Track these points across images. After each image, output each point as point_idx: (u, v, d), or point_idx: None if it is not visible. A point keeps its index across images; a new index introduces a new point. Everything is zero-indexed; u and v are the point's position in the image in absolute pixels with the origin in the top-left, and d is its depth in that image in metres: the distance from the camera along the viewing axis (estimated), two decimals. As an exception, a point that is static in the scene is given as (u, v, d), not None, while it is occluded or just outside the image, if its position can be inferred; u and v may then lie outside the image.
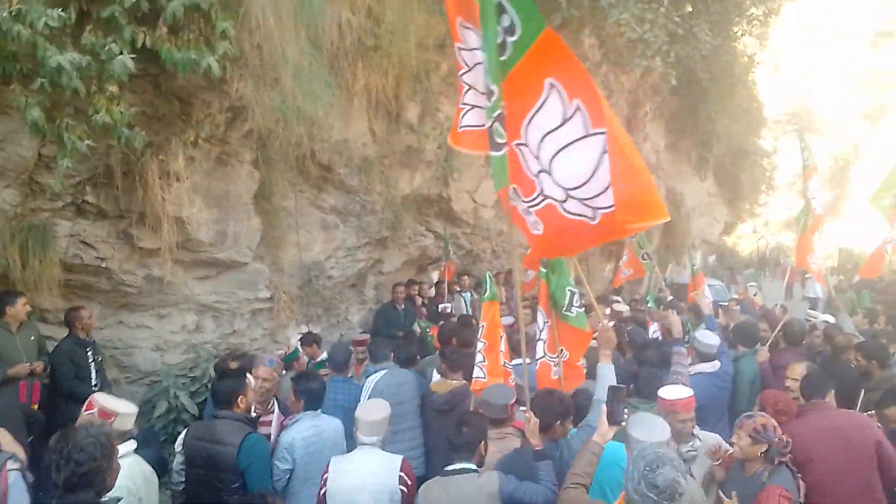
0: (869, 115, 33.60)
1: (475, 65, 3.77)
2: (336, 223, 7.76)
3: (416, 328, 8.31)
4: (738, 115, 17.41)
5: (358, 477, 3.53)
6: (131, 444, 3.23)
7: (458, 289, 10.01)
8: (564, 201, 3.38)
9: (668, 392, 3.90)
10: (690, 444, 3.86)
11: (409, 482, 3.60)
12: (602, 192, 3.19)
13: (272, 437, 4.24)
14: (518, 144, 3.49)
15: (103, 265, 5.50)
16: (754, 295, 8.93)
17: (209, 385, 6.15)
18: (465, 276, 10.43)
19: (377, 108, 7.10)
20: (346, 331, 7.96)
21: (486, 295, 4.72)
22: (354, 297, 8.74)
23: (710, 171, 19.24)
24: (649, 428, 3.03)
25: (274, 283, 7.02)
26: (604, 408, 3.32)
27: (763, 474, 3.46)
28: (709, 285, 16.40)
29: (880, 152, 31.20)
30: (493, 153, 3.41)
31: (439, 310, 9.16)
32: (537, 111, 3.33)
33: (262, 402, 4.45)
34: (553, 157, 3.34)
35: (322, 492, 3.55)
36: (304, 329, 7.80)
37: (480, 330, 4.62)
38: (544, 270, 4.33)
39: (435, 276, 10.70)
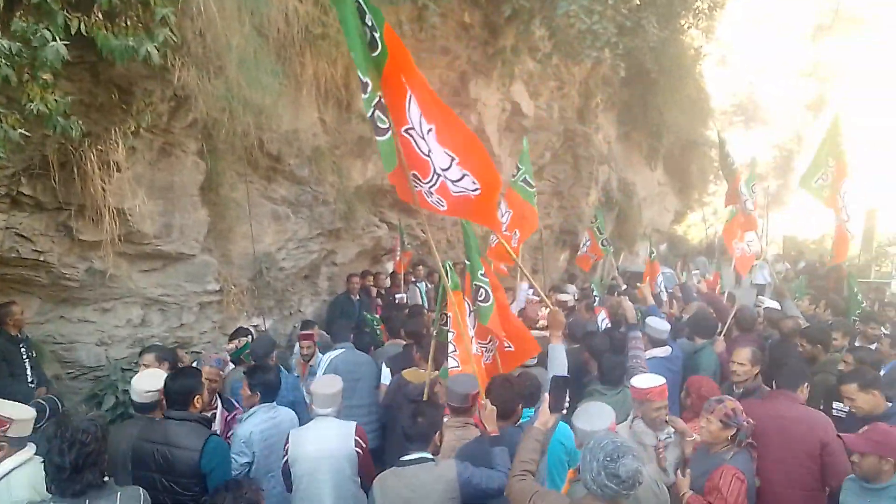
0: (811, 106, 34.71)
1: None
2: (287, 214, 7.67)
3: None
4: (686, 106, 17.79)
5: (318, 443, 3.91)
6: (30, 449, 3.13)
7: (413, 279, 10.01)
8: (449, 179, 3.70)
9: (640, 381, 4.01)
10: (666, 431, 3.97)
11: (364, 445, 4.06)
12: (462, 178, 3.60)
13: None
14: (407, 129, 3.68)
15: (42, 259, 5.31)
16: (698, 282, 9.16)
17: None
18: (420, 267, 10.44)
19: (327, 97, 7.03)
20: (300, 322, 7.86)
21: (449, 284, 4.67)
22: (307, 288, 8.66)
23: (660, 161, 19.67)
24: (591, 417, 3.09)
25: (223, 276, 6.91)
26: (546, 395, 3.37)
27: (727, 454, 3.59)
28: (662, 273, 16.84)
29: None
30: (378, 137, 3.62)
31: (395, 300, 9.16)
32: (410, 99, 3.57)
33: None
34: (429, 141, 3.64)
35: (284, 460, 3.92)
36: (256, 322, 7.71)
37: (447, 320, 4.61)
38: (468, 262, 4.39)
39: (390, 266, 10.68)
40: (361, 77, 3.54)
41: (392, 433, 4.97)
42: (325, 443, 3.93)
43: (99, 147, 5.02)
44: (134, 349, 6.27)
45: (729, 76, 31.61)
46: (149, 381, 3.67)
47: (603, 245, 10.20)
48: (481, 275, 4.36)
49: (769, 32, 34.37)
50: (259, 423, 4.07)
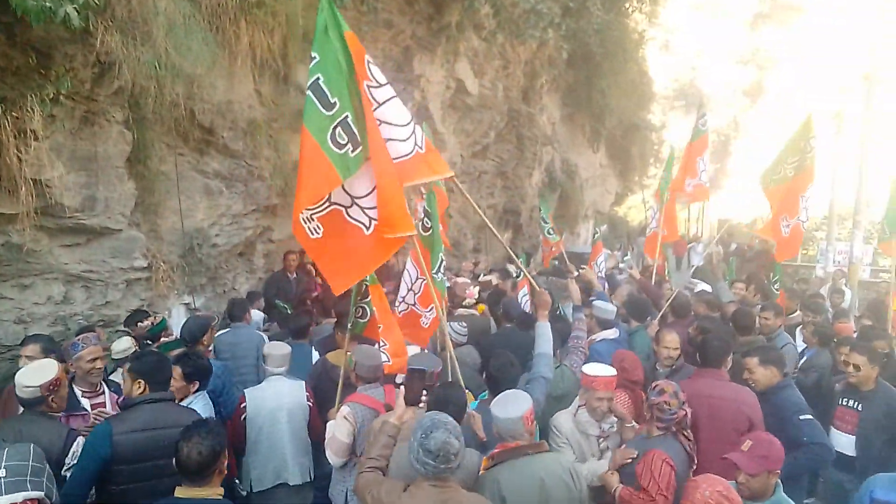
0: (748, 92, 35.72)
1: (386, 100, 3.93)
2: (220, 189, 7.42)
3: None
4: (629, 89, 18.08)
5: (275, 398, 4.58)
6: None
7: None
8: (350, 207, 3.88)
9: (591, 368, 4.06)
10: (609, 421, 4.03)
11: (313, 400, 4.74)
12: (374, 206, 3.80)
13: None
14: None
15: (-47, 232, 5.01)
16: (630, 268, 9.40)
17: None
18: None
19: (263, 68, 6.79)
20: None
21: (367, 278, 4.50)
22: (242, 265, 8.43)
23: (602, 143, 19.93)
24: (507, 405, 3.08)
25: (152, 252, 6.63)
26: (401, 390, 3.46)
27: (659, 441, 3.66)
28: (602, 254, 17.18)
29: (758, 128, 33.34)
30: (336, 150, 3.74)
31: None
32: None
33: (91, 384, 4.22)
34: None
35: (242, 417, 4.49)
36: (187, 300, 7.48)
37: (364, 313, 4.61)
38: (424, 233, 4.44)
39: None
40: (331, 97, 3.76)
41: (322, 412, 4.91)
42: (282, 397, 4.60)
43: (14, 114, 4.73)
44: (56, 327, 5.99)
45: (671, 61, 32.18)
46: (32, 376, 3.46)
47: (549, 234, 10.28)
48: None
49: (710, 19, 35.11)
50: (203, 412, 4.01)
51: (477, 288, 6.53)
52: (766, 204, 7.55)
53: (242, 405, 4.52)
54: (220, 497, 2.88)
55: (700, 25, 34.04)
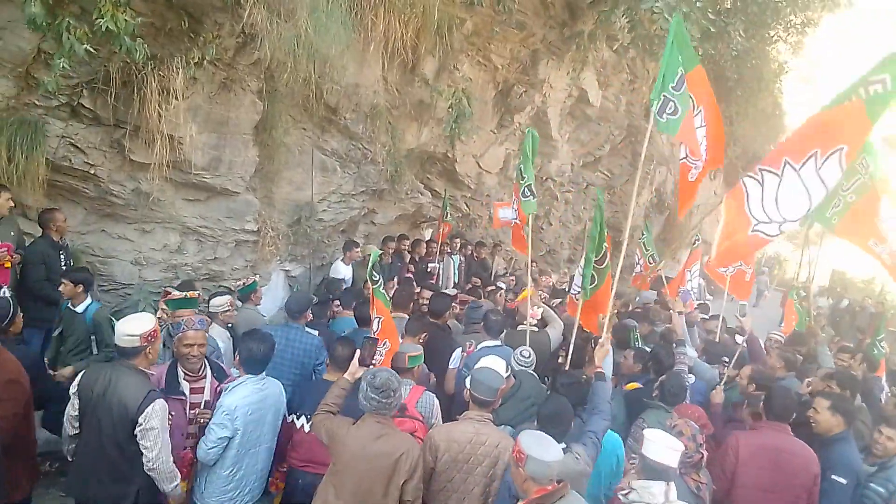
0: (889, 140, 33.18)
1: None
2: (335, 167, 7.67)
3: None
4: (759, 119, 17.17)
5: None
6: None
7: (449, 251, 9.95)
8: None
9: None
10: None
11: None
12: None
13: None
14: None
15: (92, 171, 5.42)
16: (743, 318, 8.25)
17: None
18: (458, 239, 10.37)
19: (393, 56, 6.92)
20: (328, 276, 7.90)
21: (378, 288, 4.41)
22: (342, 243, 8.69)
23: (721, 171, 19.07)
24: (548, 447, 2.81)
25: (263, 217, 6.96)
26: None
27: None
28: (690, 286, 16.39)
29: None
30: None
31: (427, 269, 9.13)
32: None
33: (193, 369, 3.81)
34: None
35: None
36: (288, 267, 7.78)
37: (377, 323, 4.42)
38: (376, 277, 4.37)
39: (428, 234, 10.65)
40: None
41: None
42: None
43: (161, 73, 5.06)
44: (167, 274, 6.40)
45: (811, 96, 30.35)
46: (133, 325, 3.38)
47: (651, 261, 9.76)
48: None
49: (857, 56, 32.81)
50: (247, 394, 3.66)
51: (541, 309, 6.20)
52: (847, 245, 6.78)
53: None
54: None
55: (845, 61, 31.87)
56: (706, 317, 8.51)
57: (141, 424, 3.19)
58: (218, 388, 3.81)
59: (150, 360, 3.46)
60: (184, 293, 4.91)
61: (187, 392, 3.75)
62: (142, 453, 3.24)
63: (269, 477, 4.01)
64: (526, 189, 5.73)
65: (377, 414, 3.26)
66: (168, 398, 3.42)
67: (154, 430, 3.21)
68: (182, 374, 3.77)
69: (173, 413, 3.47)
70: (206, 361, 3.95)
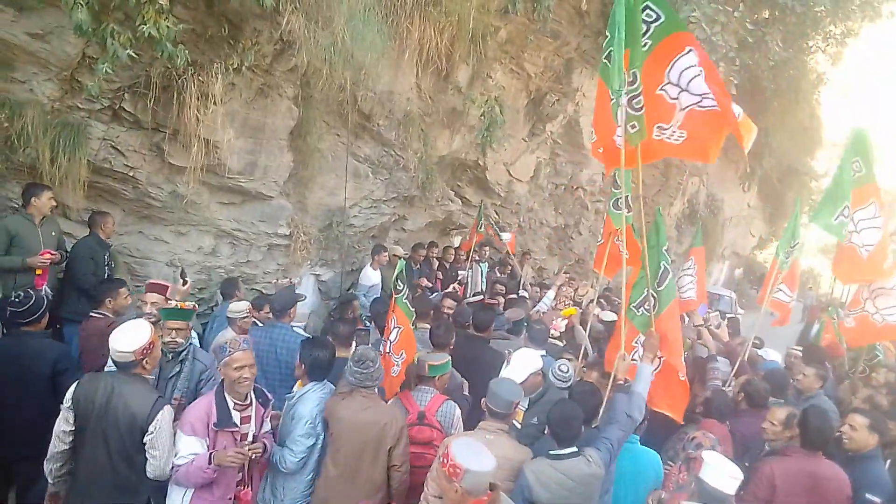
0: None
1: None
2: (367, 173, 7.73)
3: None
4: (795, 131, 16.88)
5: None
6: None
7: (477, 258, 9.94)
8: (699, 102, 4.28)
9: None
10: None
11: None
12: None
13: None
14: (662, 87, 4.31)
15: (131, 174, 5.53)
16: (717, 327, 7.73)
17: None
18: (486, 248, 10.36)
19: (427, 64, 6.96)
20: (357, 281, 7.94)
21: (402, 298, 4.43)
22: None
23: (755, 183, 18.80)
24: (479, 455, 2.69)
25: (295, 222, 7.03)
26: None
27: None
28: (721, 296, 16.10)
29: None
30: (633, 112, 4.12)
31: (457, 276, 9.13)
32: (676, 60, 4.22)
33: (242, 395, 3.45)
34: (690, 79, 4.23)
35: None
36: (319, 271, 7.84)
37: (395, 334, 4.44)
38: (401, 287, 4.40)
39: (457, 241, 10.66)
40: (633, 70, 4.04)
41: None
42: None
43: (200, 78, 5.15)
44: (201, 275, 6.50)
45: (848, 108, 29.75)
46: (125, 340, 3.23)
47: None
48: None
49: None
50: (318, 402, 3.76)
51: (565, 321, 6.14)
52: None
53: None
54: None
55: (885, 74, 31.21)
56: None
57: (151, 433, 3.14)
58: (265, 415, 3.59)
59: (149, 370, 3.38)
60: (175, 303, 4.29)
61: (238, 422, 3.40)
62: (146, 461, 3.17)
63: None
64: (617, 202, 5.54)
65: (362, 388, 3.65)
66: (220, 431, 3.28)
67: (163, 437, 3.17)
68: (232, 403, 3.40)
69: (226, 448, 3.27)
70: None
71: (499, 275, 10.05)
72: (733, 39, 7.92)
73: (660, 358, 4.47)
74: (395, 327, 4.39)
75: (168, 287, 4.86)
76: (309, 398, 3.75)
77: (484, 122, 7.95)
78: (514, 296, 8.31)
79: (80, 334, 4.79)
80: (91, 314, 4.75)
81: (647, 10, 4.12)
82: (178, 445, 3.22)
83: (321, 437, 3.72)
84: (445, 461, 2.58)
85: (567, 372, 4.56)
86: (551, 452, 3.33)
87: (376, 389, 3.80)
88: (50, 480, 3.28)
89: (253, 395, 3.51)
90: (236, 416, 3.39)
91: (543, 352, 5.10)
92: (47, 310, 4.02)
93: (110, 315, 4.73)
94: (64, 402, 3.19)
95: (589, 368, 4.80)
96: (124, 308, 4.87)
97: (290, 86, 6.13)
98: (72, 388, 3.21)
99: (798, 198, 7.42)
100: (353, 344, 4.70)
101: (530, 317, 6.31)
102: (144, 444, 3.14)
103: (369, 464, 3.54)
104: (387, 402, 3.98)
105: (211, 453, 3.21)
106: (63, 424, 3.17)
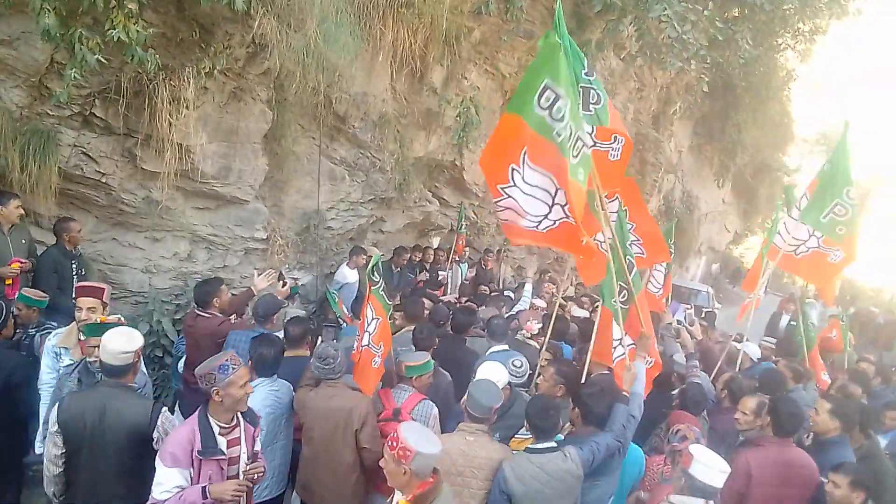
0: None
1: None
2: (343, 175, 7.71)
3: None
4: (767, 127, 17.16)
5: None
6: None
7: (457, 259, 9.97)
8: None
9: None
10: None
11: None
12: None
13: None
14: None
15: (103, 180, 5.46)
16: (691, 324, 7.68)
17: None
18: (467, 248, 10.38)
19: (402, 65, 6.96)
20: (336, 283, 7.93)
21: (378, 289, 4.27)
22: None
23: (729, 179, 19.05)
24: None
25: (272, 225, 7.00)
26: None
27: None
28: (699, 291, 16.27)
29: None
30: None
31: (438, 277, 9.14)
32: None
33: (227, 419, 3.13)
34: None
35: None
36: (297, 275, 7.80)
37: (374, 325, 4.29)
38: (377, 278, 4.24)
39: (436, 242, 10.67)
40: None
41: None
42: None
43: (172, 82, 5.10)
44: (177, 281, 6.45)
45: (818, 104, 30.26)
46: (125, 342, 3.23)
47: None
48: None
49: (867, 65, 32.70)
50: (263, 398, 3.87)
51: (539, 324, 6.13)
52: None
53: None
54: None
55: (853, 71, 31.76)
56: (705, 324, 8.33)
57: (155, 439, 3.15)
58: (255, 434, 3.31)
59: (136, 374, 3.36)
60: (97, 318, 3.93)
61: (225, 449, 3.07)
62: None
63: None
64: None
65: (328, 380, 3.91)
66: (204, 461, 2.97)
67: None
68: (217, 427, 3.07)
69: (211, 478, 2.98)
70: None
71: (478, 274, 10.11)
72: (704, 37, 8.03)
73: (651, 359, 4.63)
74: (373, 318, 4.36)
75: (104, 290, 4.26)
76: (257, 392, 3.75)
77: (459, 123, 7.96)
78: (497, 293, 8.34)
79: (188, 335, 4.87)
80: (198, 314, 4.79)
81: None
82: (159, 478, 2.88)
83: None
84: (395, 444, 2.59)
85: (521, 367, 4.58)
86: (529, 446, 3.37)
87: (341, 380, 3.99)
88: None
89: (239, 415, 3.20)
90: (222, 442, 3.06)
91: (506, 346, 5.11)
92: (8, 319, 4.11)
93: (218, 314, 4.81)
94: (50, 425, 3.13)
95: (548, 364, 4.77)
96: (228, 305, 4.99)
97: (264, 89, 6.10)
98: (54, 411, 3.12)
99: (779, 200, 7.39)
100: (320, 339, 4.95)
101: (501, 315, 6.30)
102: (154, 447, 3.12)
103: (340, 445, 3.82)
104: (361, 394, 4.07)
105: (204, 486, 2.90)
106: (53, 449, 3.11)
